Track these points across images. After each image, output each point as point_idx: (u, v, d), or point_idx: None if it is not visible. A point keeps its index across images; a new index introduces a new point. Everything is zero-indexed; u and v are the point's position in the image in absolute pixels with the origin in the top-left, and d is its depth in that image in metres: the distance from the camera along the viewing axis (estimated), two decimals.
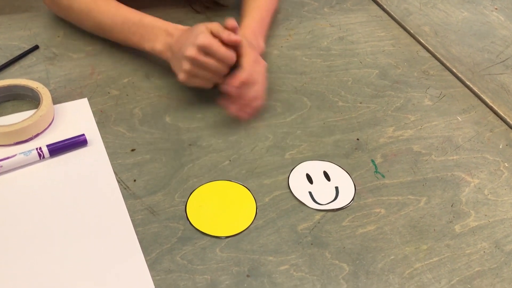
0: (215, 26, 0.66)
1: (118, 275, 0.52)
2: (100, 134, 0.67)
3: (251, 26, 0.77)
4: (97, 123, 0.69)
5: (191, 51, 0.63)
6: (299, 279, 0.53)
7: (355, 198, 0.62)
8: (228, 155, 0.66)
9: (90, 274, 0.52)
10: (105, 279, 0.51)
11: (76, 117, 0.69)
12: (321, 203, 0.61)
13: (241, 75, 0.65)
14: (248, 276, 0.53)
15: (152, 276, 0.52)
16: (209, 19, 0.89)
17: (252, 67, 0.66)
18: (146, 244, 0.55)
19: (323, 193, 0.62)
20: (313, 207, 0.60)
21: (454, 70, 0.85)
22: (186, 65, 0.65)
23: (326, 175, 0.64)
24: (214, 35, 0.64)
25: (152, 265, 0.53)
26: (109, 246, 0.54)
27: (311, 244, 0.57)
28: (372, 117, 0.74)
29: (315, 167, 0.65)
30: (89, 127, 0.68)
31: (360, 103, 0.76)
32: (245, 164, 0.65)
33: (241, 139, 0.69)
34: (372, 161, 0.67)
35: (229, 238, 0.56)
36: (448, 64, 0.86)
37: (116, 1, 0.75)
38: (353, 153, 0.68)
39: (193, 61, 0.64)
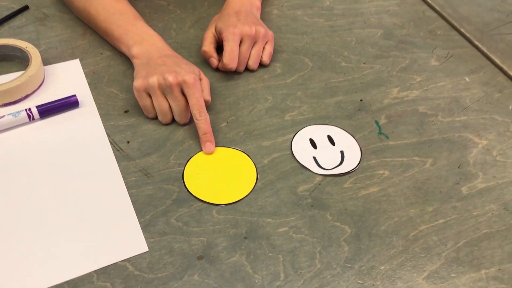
0: (206, 84, 0.63)
1: (110, 237, 0.50)
2: (92, 96, 0.64)
3: None
4: (89, 84, 0.66)
5: (172, 76, 0.58)
6: (298, 241, 0.51)
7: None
8: (225, 117, 0.64)
9: (82, 237, 0.50)
10: (97, 241, 0.50)
11: (68, 78, 0.67)
12: (326, 167, 0.58)
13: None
14: (245, 238, 0.51)
15: (146, 239, 0.50)
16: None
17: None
18: (140, 206, 0.53)
19: (328, 158, 0.59)
20: (318, 172, 0.58)
21: (462, 30, 0.81)
22: (154, 80, 0.58)
23: (331, 140, 0.61)
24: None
25: (146, 227, 0.51)
26: (102, 209, 0.52)
27: (311, 206, 0.55)
28: (376, 77, 0.71)
29: (318, 132, 0.62)
30: (81, 89, 0.65)
31: (364, 63, 0.73)
32: (243, 126, 0.63)
33: (239, 100, 0.66)
34: (376, 122, 0.64)
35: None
36: (455, 24, 0.82)
37: None
38: (356, 114, 0.65)
39: (165, 84, 0.58)
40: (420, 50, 0.77)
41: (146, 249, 0.49)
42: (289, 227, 0.52)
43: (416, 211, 0.55)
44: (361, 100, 0.67)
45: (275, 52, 0.73)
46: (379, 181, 0.58)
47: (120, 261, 0.48)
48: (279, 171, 0.58)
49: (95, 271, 0.47)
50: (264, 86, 0.68)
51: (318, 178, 0.57)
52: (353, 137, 0.62)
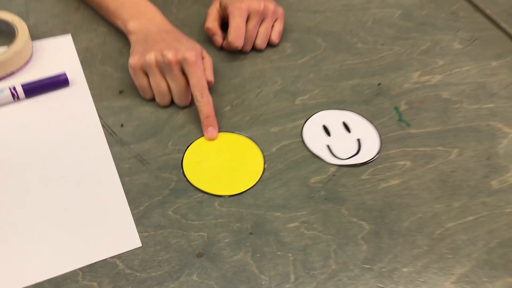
0: (208, 63, 0.57)
1: (99, 230, 0.44)
2: (84, 74, 0.59)
3: None
4: (81, 62, 0.60)
5: (171, 53, 0.52)
6: (310, 238, 0.46)
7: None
8: (229, 100, 0.58)
9: (67, 229, 0.44)
10: (84, 234, 0.44)
11: (58, 55, 0.61)
12: (341, 157, 0.52)
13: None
14: (251, 233, 0.45)
15: (139, 232, 0.45)
16: None
17: None
18: (133, 196, 0.47)
19: (344, 147, 0.53)
20: (332, 162, 0.52)
21: (487, 11, 0.75)
22: (152, 57, 0.52)
23: (346, 126, 0.56)
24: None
25: (140, 219, 0.46)
26: (90, 198, 0.47)
27: (325, 199, 0.49)
28: (395, 60, 0.65)
29: (333, 118, 0.56)
30: (72, 66, 0.60)
31: (382, 45, 0.67)
32: (249, 110, 0.57)
33: (245, 82, 0.60)
34: (396, 108, 0.59)
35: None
36: (480, 5, 0.76)
37: None
38: (374, 99, 0.59)
39: (163, 62, 0.52)
40: (441, 32, 0.70)
41: (139, 244, 0.44)
42: (300, 223, 0.47)
43: (442, 206, 0.49)
44: (379, 84, 0.61)
45: (285, 31, 0.67)
46: (400, 173, 0.52)
47: (109, 258, 0.43)
48: (289, 160, 0.52)
49: (80, 269, 0.42)
50: (272, 67, 0.62)
51: (332, 169, 0.52)
52: (371, 123, 0.56)
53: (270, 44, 0.65)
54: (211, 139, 0.53)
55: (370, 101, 0.59)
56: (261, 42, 0.63)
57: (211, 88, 0.58)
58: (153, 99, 0.56)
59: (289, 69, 0.62)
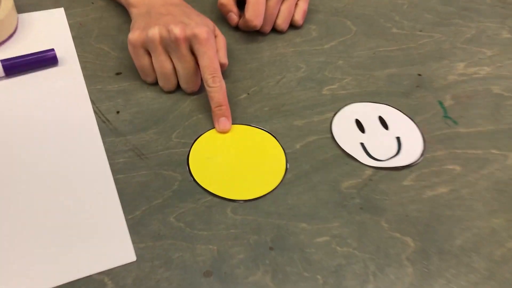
0: (222, 43, 0.49)
1: (84, 240, 0.36)
2: (77, 53, 0.51)
3: None
4: (74, 38, 0.52)
5: (179, 28, 0.44)
6: (344, 257, 0.37)
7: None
8: (245, 87, 0.50)
9: (45, 238, 0.36)
10: (65, 245, 0.35)
11: (47, 30, 0.53)
12: (378, 158, 0.44)
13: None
14: (271, 249, 0.37)
15: (134, 243, 0.36)
16: None
17: None
18: (128, 198, 0.39)
19: (381, 146, 0.45)
20: (368, 164, 0.43)
21: None
22: (155, 32, 0.44)
23: (383, 122, 0.47)
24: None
25: (135, 227, 0.37)
26: (75, 198, 0.38)
27: (361, 208, 0.40)
28: (436, 48, 0.57)
29: (367, 111, 0.48)
30: (62, 43, 0.51)
31: (420, 31, 0.59)
32: (269, 100, 0.48)
33: (264, 67, 0.52)
34: (440, 102, 0.50)
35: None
36: None
37: None
38: (414, 91, 0.51)
39: (169, 38, 0.44)
40: (487, 20, 0.62)
41: (133, 258, 0.35)
42: (331, 237, 0.38)
43: (501, 221, 0.41)
44: (419, 74, 0.53)
45: (309, 12, 0.59)
46: (449, 179, 0.43)
47: (96, 274, 0.34)
48: (316, 160, 0.43)
49: (60, 287, 0.33)
50: (295, 52, 0.54)
51: (368, 172, 0.43)
52: (412, 120, 0.48)
53: (292, 25, 0.57)
54: (224, 131, 0.45)
55: (410, 94, 0.51)
56: (282, 22, 0.55)
57: (224, 72, 0.49)
58: (155, 83, 0.48)
59: (314, 54, 0.54)
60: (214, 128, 0.45)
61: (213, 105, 0.45)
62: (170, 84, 0.47)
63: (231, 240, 0.37)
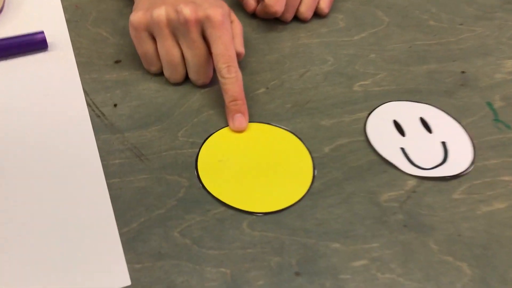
0: (238, 29, 0.43)
1: (69, 258, 0.29)
2: (70, 37, 0.45)
3: None
4: (68, 21, 0.47)
5: (189, 8, 0.37)
6: (387, 285, 0.30)
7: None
8: (264, 80, 0.43)
9: (22, 256, 0.29)
10: (46, 263, 0.29)
11: (38, 10, 0.47)
12: (422, 166, 0.37)
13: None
14: (297, 274, 0.30)
15: (129, 263, 0.30)
16: None
17: None
18: (124, 207, 0.32)
19: (424, 152, 0.38)
20: (411, 173, 0.36)
21: None
22: (162, 12, 0.38)
23: (425, 124, 0.40)
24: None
25: (131, 243, 0.30)
26: (59, 207, 0.32)
27: (404, 226, 0.33)
28: (480, 44, 0.50)
29: (406, 111, 0.41)
30: (54, 25, 0.46)
31: (461, 24, 0.52)
32: (291, 96, 0.42)
33: (285, 59, 0.45)
34: (489, 104, 0.43)
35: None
36: None
37: None
38: (458, 90, 0.44)
39: (178, 20, 0.38)
40: None
41: (127, 282, 0.29)
42: (370, 260, 0.31)
43: None
44: (462, 72, 0.46)
45: (336, 0, 0.52)
46: (505, 192, 0.36)
47: None
48: (349, 166, 0.37)
49: None
50: (320, 43, 0.48)
51: (411, 182, 0.36)
52: (459, 122, 0.41)
53: (317, 14, 0.51)
54: (239, 130, 0.38)
55: (454, 93, 0.44)
56: (306, 10, 0.49)
57: (240, 63, 0.43)
58: (160, 73, 0.42)
59: (342, 46, 0.48)
60: (227, 126, 0.39)
61: (227, 99, 0.38)
62: (178, 75, 0.40)
63: (248, 262, 0.30)
